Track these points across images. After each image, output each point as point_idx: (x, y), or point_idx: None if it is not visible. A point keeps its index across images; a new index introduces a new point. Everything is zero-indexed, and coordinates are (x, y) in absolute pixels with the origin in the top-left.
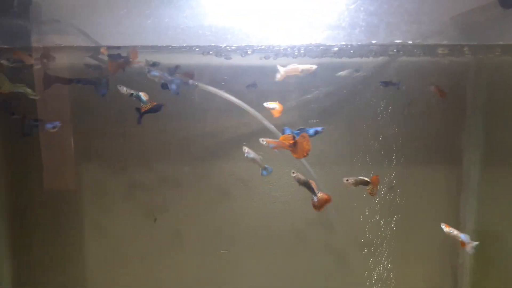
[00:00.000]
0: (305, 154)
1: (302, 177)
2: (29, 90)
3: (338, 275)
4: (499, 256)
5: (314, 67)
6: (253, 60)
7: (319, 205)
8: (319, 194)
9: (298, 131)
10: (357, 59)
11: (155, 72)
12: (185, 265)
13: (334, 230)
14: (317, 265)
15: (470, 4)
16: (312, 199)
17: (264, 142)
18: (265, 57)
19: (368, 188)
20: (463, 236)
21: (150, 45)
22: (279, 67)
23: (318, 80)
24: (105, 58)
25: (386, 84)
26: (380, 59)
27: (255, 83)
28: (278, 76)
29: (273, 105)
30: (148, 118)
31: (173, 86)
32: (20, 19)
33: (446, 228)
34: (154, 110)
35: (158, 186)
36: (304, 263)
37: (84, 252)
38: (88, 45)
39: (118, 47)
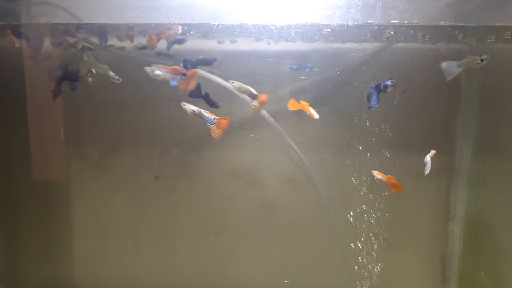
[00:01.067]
0: (186, 89)
1: (193, 107)
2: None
3: (327, 263)
4: (489, 244)
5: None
6: (246, 44)
7: (218, 131)
8: (216, 121)
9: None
10: (351, 45)
11: (158, 71)
12: (176, 254)
13: (325, 218)
14: (307, 252)
15: None
16: (209, 128)
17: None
18: (256, 40)
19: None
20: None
21: (142, 23)
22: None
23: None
24: None
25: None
26: (375, 45)
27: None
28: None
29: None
30: (141, 104)
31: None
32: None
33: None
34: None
35: (149, 175)
36: (296, 250)
37: (73, 242)
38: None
39: (105, 25)
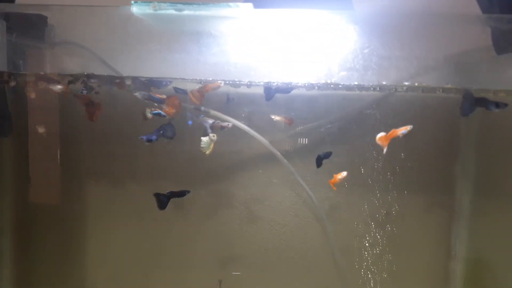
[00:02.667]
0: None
1: (143, 93)
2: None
3: None
4: (490, 284)
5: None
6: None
7: (171, 109)
8: (165, 100)
9: None
10: (356, 92)
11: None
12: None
13: (332, 253)
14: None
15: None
16: (163, 109)
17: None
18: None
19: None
20: None
21: (178, 77)
22: None
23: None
24: None
25: None
26: (378, 93)
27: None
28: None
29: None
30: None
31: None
32: None
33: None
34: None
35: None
36: (303, 283)
37: (85, 262)
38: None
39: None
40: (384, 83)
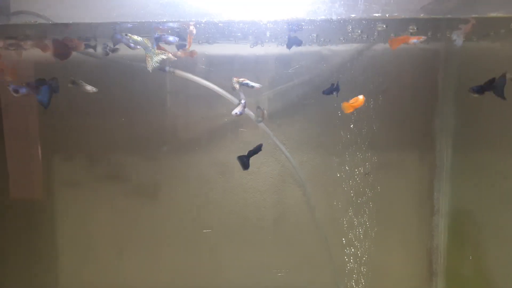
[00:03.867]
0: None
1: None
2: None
3: (314, 261)
4: (473, 236)
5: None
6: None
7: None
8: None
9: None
10: (332, 47)
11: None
12: (163, 260)
13: (310, 218)
14: (297, 252)
15: None
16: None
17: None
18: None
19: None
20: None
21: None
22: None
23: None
24: None
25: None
26: (356, 46)
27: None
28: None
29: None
30: (120, 111)
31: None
32: None
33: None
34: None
35: (134, 178)
36: (282, 251)
37: (57, 254)
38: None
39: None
40: (353, 15)
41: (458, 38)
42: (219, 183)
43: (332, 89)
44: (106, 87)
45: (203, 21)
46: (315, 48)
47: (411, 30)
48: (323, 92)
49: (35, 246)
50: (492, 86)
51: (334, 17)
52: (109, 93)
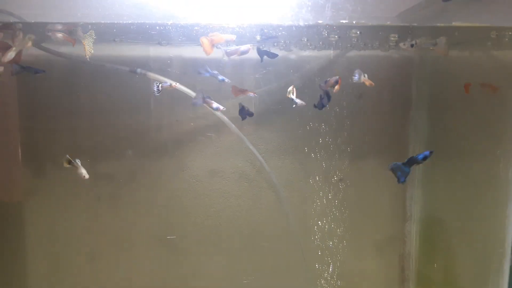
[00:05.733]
0: None
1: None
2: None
3: (288, 265)
4: (444, 242)
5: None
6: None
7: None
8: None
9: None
10: (306, 53)
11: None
12: (135, 265)
13: (286, 223)
14: (269, 257)
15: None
16: None
17: None
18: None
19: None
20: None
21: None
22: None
23: (268, 74)
24: None
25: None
26: (330, 52)
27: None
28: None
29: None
30: (98, 111)
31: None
32: None
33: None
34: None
35: (106, 183)
36: (258, 257)
37: (27, 260)
38: None
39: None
40: (320, 21)
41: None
42: (193, 187)
43: (322, 102)
44: (78, 89)
45: (169, 23)
46: (285, 53)
47: (392, 38)
48: (316, 106)
49: (4, 249)
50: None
51: (301, 23)
52: (82, 95)
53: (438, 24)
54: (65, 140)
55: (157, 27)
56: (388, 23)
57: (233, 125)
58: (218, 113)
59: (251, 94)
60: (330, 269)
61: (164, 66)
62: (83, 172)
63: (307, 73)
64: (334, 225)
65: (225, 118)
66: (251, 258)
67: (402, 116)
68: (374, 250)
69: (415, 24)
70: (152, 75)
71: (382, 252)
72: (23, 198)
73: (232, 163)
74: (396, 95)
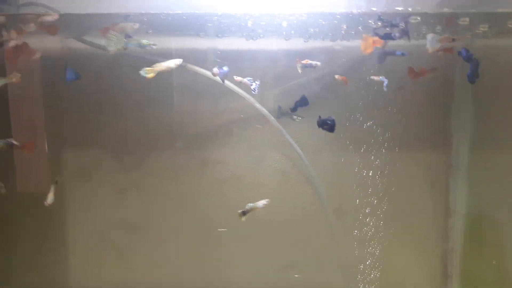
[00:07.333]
0: None
1: None
2: (144, 41)
3: (326, 262)
4: (490, 238)
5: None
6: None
7: None
8: None
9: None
10: (348, 43)
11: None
12: (174, 257)
13: (324, 216)
14: (308, 252)
15: None
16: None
17: None
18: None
19: None
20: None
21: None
22: None
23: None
24: None
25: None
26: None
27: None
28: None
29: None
30: (133, 104)
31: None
32: None
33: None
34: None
35: (147, 176)
36: (296, 249)
37: (67, 249)
38: None
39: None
40: (374, 9)
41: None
42: (231, 180)
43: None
44: (113, 82)
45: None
46: (327, 43)
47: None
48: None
49: (45, 238)
50: None
51: (354, 11)
52: (117, 88)
53: (498, 10)
54: (102, 131)
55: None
56: (445, 9)
57: (272, 117)
58: (258, 105)
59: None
60: (370, 264)
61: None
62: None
63: (345, 64)
64: (374, 219)
65: (264, 110)
66: (290, 252)
67: (445, 107)
68: (416, 245)
69: (474, 10)
70: (191, 66)
71: (424, 248)
72: (63, 196)
73: (267, 156)
74: (438, 86)
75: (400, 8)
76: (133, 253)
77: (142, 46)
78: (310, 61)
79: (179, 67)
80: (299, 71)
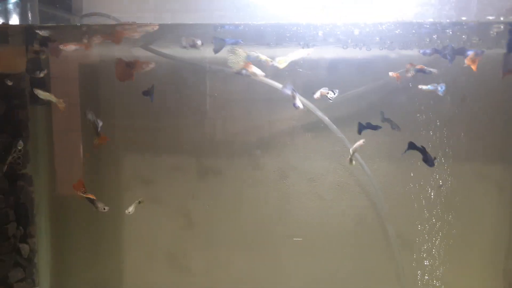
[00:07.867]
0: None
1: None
2: (263, 57)
3: (387, 274)
4: None
5: None
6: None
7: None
8: None
9: None
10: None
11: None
12: (224, 264)
13: (383, 229)
14: (365, 263)
15: None
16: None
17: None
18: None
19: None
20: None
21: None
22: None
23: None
24: None
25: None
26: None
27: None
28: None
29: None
30: (185, 110)
31: None
32: None
33: None
34: None
35: (199, 180)
36: (351, 260)
37: (120, 252)
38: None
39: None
40: (463, 18)
41: None
42: (292, 190)
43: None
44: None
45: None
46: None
47: None
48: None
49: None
50: None
51: (443, 20)
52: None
53: None
54: (159, 135)
55: None
56: None
57: (334, 126)
58: (319, 114)
59: None
60: (429, 280)
61: None
62: (100, 206)
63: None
64: (434, 234)
65: (326, 119)
66: (345, 264)
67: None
68: (477, 262)
69: None
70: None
71: (485, 265)
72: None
73: (323, 166)
74: (506, 95)
75: (491, 18)
76: (187, 258)
77: (260, 61)
78: (425, 67)
79: None
80: (409, 74)
